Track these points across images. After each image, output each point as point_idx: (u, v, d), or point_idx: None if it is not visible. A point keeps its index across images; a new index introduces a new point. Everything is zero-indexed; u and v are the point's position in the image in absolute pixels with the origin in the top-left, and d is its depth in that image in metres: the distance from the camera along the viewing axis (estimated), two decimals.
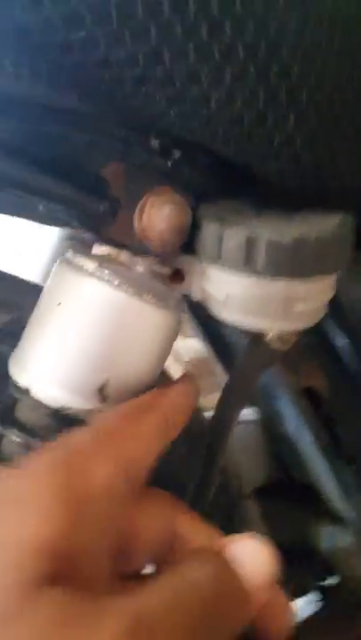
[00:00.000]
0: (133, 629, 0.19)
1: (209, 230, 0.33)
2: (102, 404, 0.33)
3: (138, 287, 0.34)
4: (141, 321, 0.34)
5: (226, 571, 0.24)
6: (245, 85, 0.30)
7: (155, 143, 0.37)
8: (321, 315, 0.35)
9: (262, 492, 0.85)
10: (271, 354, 0.36)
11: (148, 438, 0.27)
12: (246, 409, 0.88)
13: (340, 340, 0.44)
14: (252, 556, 0.25)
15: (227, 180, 0.39)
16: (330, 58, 0.31)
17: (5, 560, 0.20)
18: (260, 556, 0.25)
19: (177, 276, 0.38)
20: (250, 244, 0.31)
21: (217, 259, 0.32)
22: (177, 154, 0.37)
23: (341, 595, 0.81)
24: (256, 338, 0.36)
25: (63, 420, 0.33)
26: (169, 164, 0.37)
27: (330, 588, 0.89)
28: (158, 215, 0.33)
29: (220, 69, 0.29)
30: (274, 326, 0.34)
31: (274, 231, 0.31)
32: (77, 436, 0.26)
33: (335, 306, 0.43)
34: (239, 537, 0.26)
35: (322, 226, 0.31)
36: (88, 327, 0.33)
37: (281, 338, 0.35)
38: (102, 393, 0.33)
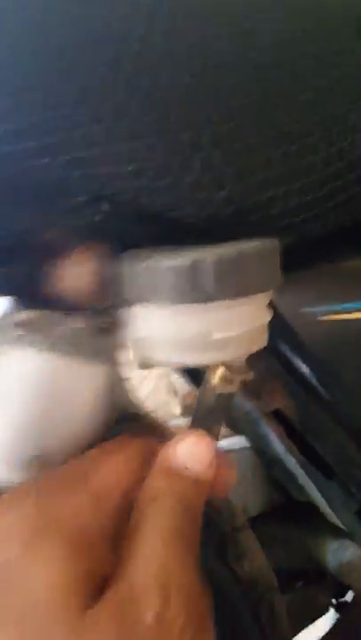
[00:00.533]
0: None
1: (126, 269, 0.32)
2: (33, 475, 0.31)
3: (68, 348, 0.33)
4: (76, 383, 0.33)
5: (183, 493, 0.28)
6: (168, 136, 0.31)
7: (81, 198, 0.37)
8: (255, 344, 0.34)
9: (265, 518, 0.85)
10: (220, 398, 0.34)
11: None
12: (236, 437, 0.88)
13: (302, 366, 0.44)
14: (194, 454, 0.29)
15: (155, 228, 0.39)
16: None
17: (47, 608, 0.21)
18: (200, 451, 0.30)
19: (111, 326, 0.38)
20: (150, 274, 0.30)
21: (134, 297, 0.32)
22: (105, 207, 0.37)
23: (357, 609, 0.80)
24: (203, 384, 0.35)
25: None
26: (96, 218, 0.37)
27: (346, 604, 0.88)
28: (79, 274, 0.33)
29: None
30: (196, 359, 0.33)
31: (175, 257, 0.30)
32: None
33: (287, 330, 0.44)
34: (175, 441, 0.30)
35: (226, 248, 0.31)
36: (19, 399, 0.32)
37: (226, 378, 0.34)
38: (33, 464, 0.32)
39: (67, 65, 0.28)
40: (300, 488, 0.72)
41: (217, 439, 0.36)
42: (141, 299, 0.32)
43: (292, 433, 0.50)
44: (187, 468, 0.29)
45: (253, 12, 0.34)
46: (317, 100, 0.36)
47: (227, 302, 0.31)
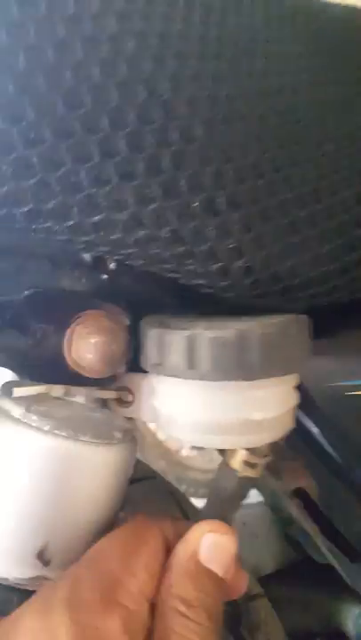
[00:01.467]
0: None
1: (149, 336, 0.29)
2: (45, 569, 0.28)
3: (73, 428, 0.30)
4: (82, 465, 0.30)
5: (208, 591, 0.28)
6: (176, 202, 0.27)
7: (87, 257, 0.34)
8: (287, 426, 0.30)
9: (280, 576, 0.80)
10: (241, 483, 0.31)
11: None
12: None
13: (325, 444, 0.39)
14: (218, 553, 0.29)
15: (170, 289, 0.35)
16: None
17: None
18: (224, 548, 0.29)
19: (125, 398, 0.34)
20: (191, 343, 0.27)
21: (160, 367, 0.29)
22: (112, 264, 0.34)
23: None
24: (221, 467, 0.32)
25: (12, 589, 0.29)
26: (104, 277, 0.34)
27: None
28: (85, 347, 0.29)
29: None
30: (230, 442, 0.30)
31: (216, 327, 0.27)
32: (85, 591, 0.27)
33: (310, 404, 0.39)
34: (195, 535, 0.29)
35: (269, 321, 0.27)
36: (20, 485, 0.29)
37: (248, 462, 0.30)
38: (43, 557, 0.29)
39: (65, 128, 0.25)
40: (320, 551, 0.68)
41: (232, 524, 0.32)
42: (173, 372, 0.28)
43: (314, 512, 0.45)
44: (210, 571, 0.29)
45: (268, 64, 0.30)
46: (342, 149, 0.32)
47: (272, 381, 0.28)
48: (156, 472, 0.66)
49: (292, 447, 0.41)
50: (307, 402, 0.38)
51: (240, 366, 0.26)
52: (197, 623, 0.27)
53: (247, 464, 0.30)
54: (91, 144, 0.25)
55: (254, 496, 0.82)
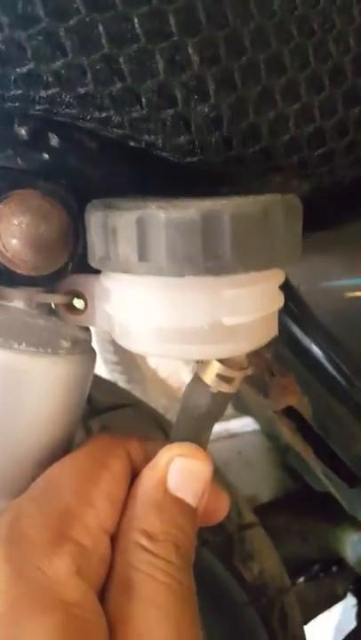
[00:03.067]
0: None
1: (92, 222, 0.24)
2: None
3: (5, 335, 0.25)
4: (21, 379, 0.25)
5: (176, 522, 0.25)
6: None
7: (20, 131, 0.27)
8: (269, 333, 0.25)
9: (278, 505, 0.78)
10: (215, 399, 0.26)
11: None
12: (245, 418, 0.80)
13: (319, 354, 0.34)
14: (188, 477, 0.26)
15: (129, 169, 0.29)
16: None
17: None
18: (195, 473, 0.26)
19: (77, 303, 0.28)
20: (141, 228, 0.21)
21: (107, 261, 0.23)
22: (54, 140, 0.28)
23: None
24: (193, 381, 0.27)
25: None
26: (45, 156, 0.28)
27: None
28: (8, 229, 0.23)
29: None
30: (197, 352, 0.24)
31: (175, 207, 0.21)
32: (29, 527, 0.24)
33: (301, 309, 0.34)
34: (164, 461, 0.26)
35: (245, 200, 0.21)
36: None
37: (222, 375, 0.25)
38: None
39: None
40: (317, 478, 0.65)
41: (206, 448, 0.28)
42: (122, 266, 0.22)
43: (308, 433, 0.40)
44: (180, 500, 0.26)
45: None
46: None
47: (247, 277, 0.22)
48: (140, 399, 0.62)
49: (281, 360, 0.35)
50: (298, 306, 0.33)
51: (205, 257, 0.21)
52: (162, 559, 0.24)
53: (221, 378, 0.26)
54: None
55: (250, 424, 0.79)
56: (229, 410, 0.81)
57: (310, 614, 0.77)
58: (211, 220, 0.20)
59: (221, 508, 0.30)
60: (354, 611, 0.86)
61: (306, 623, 0.74)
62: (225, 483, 0.62)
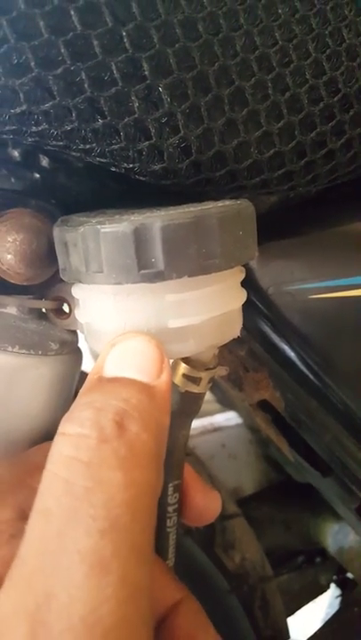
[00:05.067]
0: None
1: (55, 239, 0.25)
2: None
3: (1, 338, 0.27)
4: (12, 378, 0.28)
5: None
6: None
7: (14, 153, 0.30)
8: (227, 333, 0.26)
9: (261, 497, 0.80)
10: (185, 399, 0.28)
11: None
12: (228, 412, 0.83)
13: (289, 351, 0.37)
14: (128, 356, 0.22)
15: (111, 186, 0.31)
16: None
17: None
18: (137, 350, 0.23)
19: (64, 308, 0.31)
20: (85, 241, 0.23)
21: (65, 272, 0.25)
22: (45, 161, 0.30)
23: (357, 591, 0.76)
24: None
25: None
26: (36, 175, 0.30)
27: (347, 580, 0.85)
28: (4, 246, 0.26)
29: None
30: None
31: (114, 221, 0.23)
32: None
33: (271, 310, 0.37)
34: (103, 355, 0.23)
35: (180, 211, 0.23)
36: None
37: (188, 376, 0.27)
38: None
39: None
40: (298, 470, 0.67)
41: (185, 445, 0.30)
42: (75, 276, 0.24)
43: (282, 425, 0.43)
44: (118, 378, 0.22)
45: None
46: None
47: (184, 282, 0.23)
48: None
49: (255, 357, 0.38)
50: (268, 307, 0.36)
51: (140, 266, 0.22)
52: (81, 436, 0.19)
53: (188, 378, 0.27)
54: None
55: (234, 418, 0.82)
56: (214, 404, 0.83)
57: (295, 605, 0.79)
58: (142, 232, 0.22)
59: (213, 507, 0.30)
60: (338, 601, 0.88)
61: (291, 614, 0.75)
62: (208, 475, 0.64)
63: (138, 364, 0.22)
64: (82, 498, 0.17)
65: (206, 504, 0.29)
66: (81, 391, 0.22)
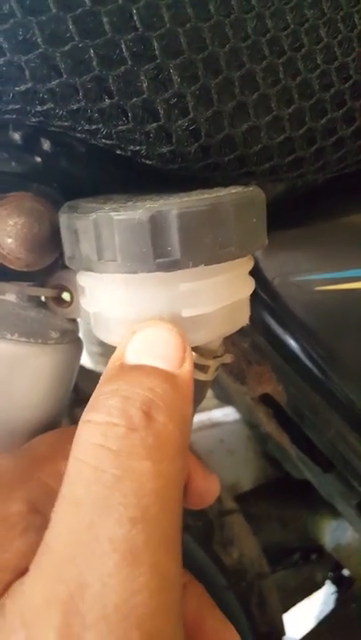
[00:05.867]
0: None
1: (61, 225, 0.25)
2: None
3: (1, 326, 0.27)
4: (12, 365, 0.27)
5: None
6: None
7: (15, 136, 0.29)
8: (236, 322, 0.26)
9: (259, 493, 0.80)
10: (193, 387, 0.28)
11: None
12: (226, 408, 0.82)
13: (293, 344, 0.36)
14: (150, 343, 0.22)
15: (114, 171, 0.31)
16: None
17: None
18: (158, 338, 0.22)
19: (65, 297, 0.30)
20: (97, 229, 0.22)
21: (74, 260, 0.24)
22: (46, 145, 0.30)
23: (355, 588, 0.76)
24: None
25: None
26: (38, 159, 0.30)
27: (343, 577, 0.85)
28: (4, 230, 0.25)
29: None
30: None
31: (128, 208, 0.22)
32: None
33: (276, 301, 0.36)
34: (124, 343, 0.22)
35: (195, 198, 0.22)
36: None
37: (196, 364, 0.27)
38: None
39: None
40: (296, 466, 0.67)
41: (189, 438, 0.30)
42: (85, 265, 0.24)
43: (284, 420, 0.42)
44: (141, 366, 0.21)
45: None
46: None
47: (198, 270, 0.23)
48: None
49: (258, 350, 0.38)
50: (272, 299, 0.35)
51: (156, 255, 0.22)
52: (110, 424, 0.19)
53: (196, 366, 0.27)
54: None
55: (232, 413, 0.81)
56: (212, 400, 0.83)
57: (290, 602, 0.78)
58: (158, 220, 0.21)
59: (213, 490, 0.30)
60: (333, 598, 0.88)
61: (286, 610, 0.76)
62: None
63: (160, 353, 0.21)
64: (112, 486, 0.17)
65: (207, 487, 0.29)
66: (102, 378, 0.21)
